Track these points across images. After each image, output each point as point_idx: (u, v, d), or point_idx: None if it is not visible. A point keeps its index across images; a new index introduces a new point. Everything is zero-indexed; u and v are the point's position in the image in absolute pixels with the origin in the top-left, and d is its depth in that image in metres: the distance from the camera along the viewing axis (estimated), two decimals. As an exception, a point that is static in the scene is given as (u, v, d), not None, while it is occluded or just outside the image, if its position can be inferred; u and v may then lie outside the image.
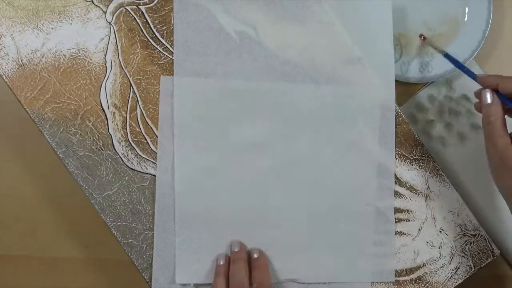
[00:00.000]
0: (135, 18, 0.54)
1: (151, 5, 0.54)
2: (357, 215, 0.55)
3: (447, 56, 0.54)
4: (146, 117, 0.54)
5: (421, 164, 0.56)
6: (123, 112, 0.54)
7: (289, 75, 0.55)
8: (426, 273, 0.56)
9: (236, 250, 0.53)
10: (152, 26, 0.54)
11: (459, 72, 0.58)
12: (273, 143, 0.55)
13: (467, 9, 0.58)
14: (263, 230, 0.55)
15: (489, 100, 0.48)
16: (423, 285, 0.56)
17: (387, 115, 0.55)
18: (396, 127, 0.56)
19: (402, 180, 0.56)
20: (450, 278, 0.56)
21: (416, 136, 0.56)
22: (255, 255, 0.53)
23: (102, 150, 0.54)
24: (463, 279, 0.56)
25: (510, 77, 0.48)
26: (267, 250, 0.54)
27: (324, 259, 0.55)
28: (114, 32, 0.54)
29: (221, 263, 0.53)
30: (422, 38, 0.56)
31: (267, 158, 0.55)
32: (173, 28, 0.54)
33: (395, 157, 0.56)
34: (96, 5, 0.54)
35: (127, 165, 0.54)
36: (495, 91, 0.48)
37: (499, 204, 0.58)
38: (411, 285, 0.56)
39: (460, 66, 0.53)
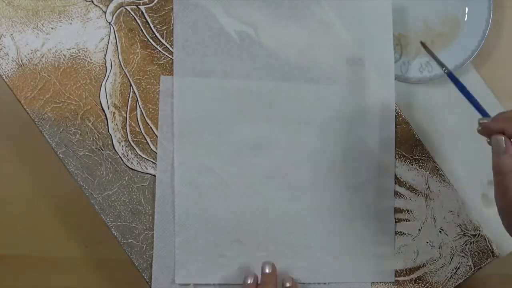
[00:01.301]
0: (135, 18, 0.54)
1: (151, 5, 0.54)
2: (357, 215, 0.55)
3: (448, 74, 0.51)
4: (146, 117, 0.54)
5: (421, 164, 0.56)
6: (123, 112, 0.54)
7: (289, 75, 0.55)
8: (426, 273, 0.56)
9: (267, 272, 0.52)
10: (152, 26, 0.54)
11: (460, 71, 0.58)
12: (272, 144, 0.55)
13: (467, 9, 0.58)
14: (262, 230, 0.54)
15: (504, 150, 0.42)
16: (423, 285, 0.56)
17: (387, 115, 0.55)
18: (396, 127, 0.56)
19: (402, 180, 0.56)
20: (450, 278, 0.56)
21: (416, 136, 0.56)
22: (288, 284, 0.52)
23: (102, 150, 0.54)
24: (463, 279, 0.56)
25: None
26: (266, 249, 0.54)
27: (324, 259, 0.55)
28: (114, 32, 0.54)
29: (249, 281, 0.51)
30: (422, 44, 0.54)
31: (267, 158, 0.54)
32: (173, 28, 0.54)
33: (395, 157, 0.56)
34: (96, 5, 0.54)
35: (127, 165, 0.54)
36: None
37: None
38: (411, 285, 0.56)
39: (464, 93, 0.49)
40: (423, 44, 0.56)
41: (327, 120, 0.55)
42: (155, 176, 0.54)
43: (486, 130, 0.44)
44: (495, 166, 0.43)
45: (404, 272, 0.56)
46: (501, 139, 0.42)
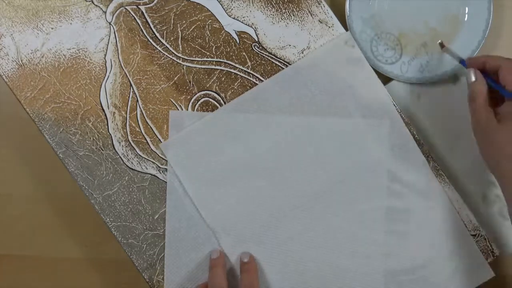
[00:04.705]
0: (135, 18, 0.54)
1: (151, 5, 0.54)
2: (355, 215, 0.55)
3: (463, 63, 0.54)
4: (146, 117, 0.54)
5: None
6: (123, 112, 0.54)
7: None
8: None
9: (214, 257, 0.53)
10: (152, 26, 0.54)
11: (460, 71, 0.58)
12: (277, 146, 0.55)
13: (467, 9, 0.58)
14: (265, 230, 0.55)
15: (473, 78, 0.50)
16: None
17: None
18: (396, 127, 0.56)
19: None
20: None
21: (416, 136, 0.56)
22: (245, 259, 0.53)
23: (102, 150, 0.54)
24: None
25: (495, 56, 0.50)
26: (260, 254, 0.55)
27: (324, 262, 0.55)
28: (114, 32, 0.54)
29: (214, 256, 0.53)
30: (441, 44, 0.57)
31: (272, 163, 0.55)
32: (173, 28, 0.54)
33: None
34: (96, 5, 0.54)
35: (127, 165, 0.54)
36: (482, 72, 0.50)
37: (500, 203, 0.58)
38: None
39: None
40: (441, 44, 0.56)
41: (325, 119, 0.55)
42: (155, 176, 0.54)
43: (470, 64, 0.52)
44: (468, 95, 0.50)
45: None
46: (473, 70, 0.50)
